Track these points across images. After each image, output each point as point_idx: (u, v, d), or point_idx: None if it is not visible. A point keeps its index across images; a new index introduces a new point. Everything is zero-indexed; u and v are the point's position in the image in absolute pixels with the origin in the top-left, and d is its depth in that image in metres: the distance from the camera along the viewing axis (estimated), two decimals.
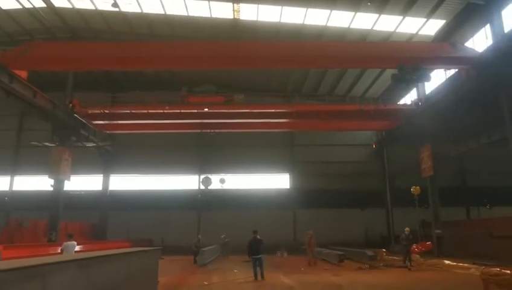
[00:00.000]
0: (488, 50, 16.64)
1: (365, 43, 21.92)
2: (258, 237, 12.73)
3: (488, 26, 17.40)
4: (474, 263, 15.16)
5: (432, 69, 18.79)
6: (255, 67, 21.85)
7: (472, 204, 28.71)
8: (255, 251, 12.43)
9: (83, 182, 28.81)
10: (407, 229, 16.56)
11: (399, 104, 25.41)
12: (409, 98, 26.45)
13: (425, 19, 20.59)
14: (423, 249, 18.58)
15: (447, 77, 21.13)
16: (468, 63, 16.83)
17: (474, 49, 17.62)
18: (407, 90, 25.99)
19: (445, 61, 17.27)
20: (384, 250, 21.30)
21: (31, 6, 22.66)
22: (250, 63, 18.33)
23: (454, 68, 19.15)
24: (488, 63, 15.43)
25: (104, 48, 19.07)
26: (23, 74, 17.78)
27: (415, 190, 20.63)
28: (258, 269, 12.35)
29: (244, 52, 17.50)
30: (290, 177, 30.62)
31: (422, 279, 12.39)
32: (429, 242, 18.98)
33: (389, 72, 26.32)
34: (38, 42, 20.03)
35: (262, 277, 12.32)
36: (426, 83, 22.96)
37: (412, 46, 19.88)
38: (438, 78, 21.52)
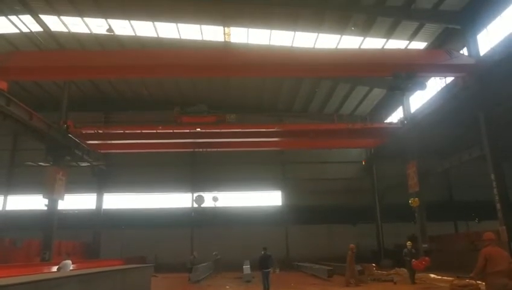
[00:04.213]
0: (486, 56, 16.53)
1: (359, 51, 21.55)
2: (268, 253, 13.57)
3: (465, 49, 18.31)
4: (458, 277, 15.67)
5: (428, 77, 18.93)
6: (246, 75, 21.98)
7: (460, 218, 29.33)
8: (264, 265, 13.25)
9: (77, 201, 29.03)
10: (409, 243, 16.50)
11: (386, 123, 26.13)
12: (395, 117, 27.26)
13: (408, 41, 21.56)
14: (426, 264, 17.55)
15: (430, 96, 21.98)
16: (464, 71, 16.69)
17: (470, 57, 17.41)
18: (398, 103, 25.67)
19: (440, 69, 16.94)
20: (374, 265, 21.62)
21: (28, 31, 23.34)
22: (242, 70, 17.94)
23: (450, 76, 18.95)
24: (486, 69, 15.43)
25: (87, 56, 18.57)
26: (3, 85, 17.10)
27: (413, 201, 20.31)
28: (265, 282, 13.18)
29: (235, 58, 17.27)
30: (282, 194, 31.13)
31: None
32: (427, 257, 18.05)
33: (377, 91, 27.52)
34: (19, 52, 19.89)
35: (268, 289, 13.09)
36: (411, 102, 23.89)
37: (406, 53, 19.47)
38: (422, 97, 22.41)
